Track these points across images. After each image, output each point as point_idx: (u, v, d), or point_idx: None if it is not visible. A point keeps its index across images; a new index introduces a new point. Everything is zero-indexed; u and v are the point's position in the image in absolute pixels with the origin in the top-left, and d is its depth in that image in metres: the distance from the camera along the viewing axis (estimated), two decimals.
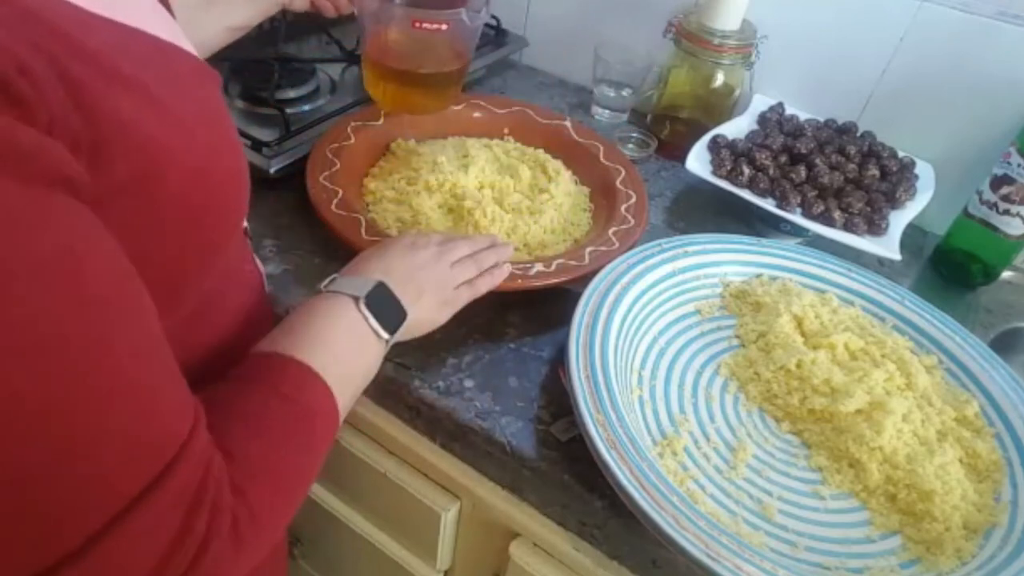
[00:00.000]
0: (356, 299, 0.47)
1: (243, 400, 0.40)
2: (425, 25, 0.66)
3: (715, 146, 0.84)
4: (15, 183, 0.25)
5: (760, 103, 0.92)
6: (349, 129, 0.76)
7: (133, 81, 0.31)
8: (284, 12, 0.72)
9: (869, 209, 0.77)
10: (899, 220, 0.77)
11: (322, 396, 0.42)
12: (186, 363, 0.35)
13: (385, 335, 0.48)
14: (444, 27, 0.67)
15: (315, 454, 0.42)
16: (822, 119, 0.89)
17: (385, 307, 0.49)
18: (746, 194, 0.79)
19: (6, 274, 0.25)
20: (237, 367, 0.42)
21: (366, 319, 0.47)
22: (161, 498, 0.31)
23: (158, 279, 0.34)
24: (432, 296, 0.53)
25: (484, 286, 0.57)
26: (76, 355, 0.27)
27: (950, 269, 0.82)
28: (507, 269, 0.60)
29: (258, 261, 0.54)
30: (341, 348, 0.45)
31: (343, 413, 0.45)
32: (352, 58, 0.94)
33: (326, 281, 0.50)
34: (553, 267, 0.64)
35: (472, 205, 0.69)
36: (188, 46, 0.37)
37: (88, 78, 0.28)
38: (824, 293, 0.69)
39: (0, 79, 0.25)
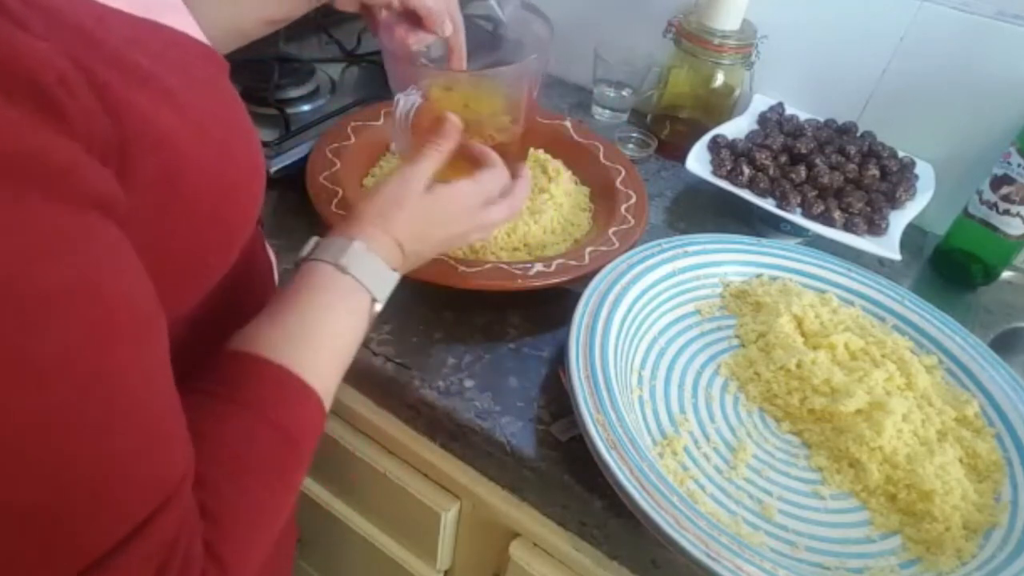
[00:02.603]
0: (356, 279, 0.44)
1: (225, 429, 0.36)
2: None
3: (715, 146, 0.84)
4: (44, 204, 0.24)
5: (760, 103, 0.92)
6: (349, 129, 0.76)
7: (151, 76, 0.31)
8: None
9: (869, 209, 0.77)
10: (899, 220, 0.77)
11: (312, 413, 0.40)
12: (207, 348, 0.36)
13: (379, 307, 0.46)
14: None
15: (295, 481, 0.40)
16: (822, 119, 0.89)
17: (381, 279, 0.46)
18: (746, 194, 0.79)
19: (21, 301, 0.24)
20: (224, 366, 0.39)
21: (369, 293, 0.45)
22: (139, 548, 0.29)
23: (177, 270, 0.34)
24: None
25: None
26: (85, 391, 0.26)
27: (950, 269, 0.82)
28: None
29: (269, 249, 0.54)
30: (338, 338, 0.43)
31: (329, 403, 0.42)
32: (352, 58, 0.94)
33: (311, 247, 0.46)
34: (553, 267, 0.63)
35: None
36: (195, 30, 0.37)
37: (112, 79, 0.28)
38: (824, 293, 0.69)
39: (44, 92, 0.24)
